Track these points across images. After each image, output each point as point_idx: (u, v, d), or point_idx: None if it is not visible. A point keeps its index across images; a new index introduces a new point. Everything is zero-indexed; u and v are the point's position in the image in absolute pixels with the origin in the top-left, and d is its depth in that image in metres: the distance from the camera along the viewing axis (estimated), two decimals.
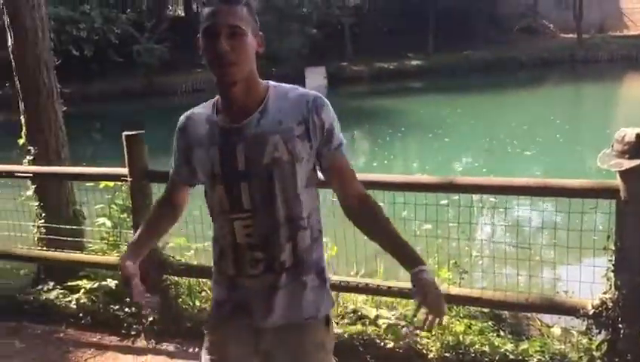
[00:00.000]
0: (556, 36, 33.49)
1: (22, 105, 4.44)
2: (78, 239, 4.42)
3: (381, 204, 1.82)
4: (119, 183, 4.26)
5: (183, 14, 36.97)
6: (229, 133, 1.66)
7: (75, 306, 4.00)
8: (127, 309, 3.83)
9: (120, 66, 26.90)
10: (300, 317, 1.75)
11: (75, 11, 24.71)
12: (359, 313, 3.67)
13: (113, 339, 3.76)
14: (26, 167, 4.32)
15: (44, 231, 4.40)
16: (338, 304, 3.77)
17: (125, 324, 3.78)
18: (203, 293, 4.06)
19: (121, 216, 4.31)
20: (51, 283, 4.27)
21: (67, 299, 4.08)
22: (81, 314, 3.97)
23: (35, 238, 4.48)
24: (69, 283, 4.15)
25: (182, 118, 1.85)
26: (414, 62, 30.94)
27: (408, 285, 3.24)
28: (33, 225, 4.48)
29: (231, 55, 1.56)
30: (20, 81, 4.37)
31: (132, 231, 3.90)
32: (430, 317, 1.67)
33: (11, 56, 4.36)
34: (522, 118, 16.68)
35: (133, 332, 3.73)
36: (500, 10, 33.20)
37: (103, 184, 4.45)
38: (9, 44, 4.35)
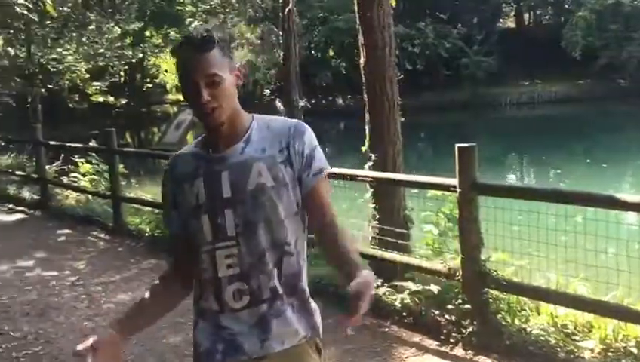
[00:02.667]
0: None
1: (367, 116, 4.92)
2: (406, 242, 4.71)
3: None
4: (447, 193, 4.42)
5: (513, 26, 36.39)
6: (213, 163, 1.69)
7: (399, 305, 4.26)
8: (447, 316, 3.94)
9: (447, 79, 27.83)
10: (293, 342, 1.71)
11: (411, 28, 26.32)
12: None
13: (432, 343, 3.90)
14: (366, 172, 4.77)
15: (377, 231, 4.79)
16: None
17: (445, 331, 3.89)
18: (523, 312, 3.95)
19: (447, 225, 4.45)
20: (380, 280, 4.62)
21: (393, 297, 4.37)
22: (404, 314, 4.22)
23: (369, 237, 4.91)
24: (396, 283, 4.44)
25: (171, 158, 1.81)
26: None
27: None
28: (368, 225, 4.93)
29: (212, 102, 1.60)
30: (368, 94, 4.84)
31: (457, 241, 4.00)
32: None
33: (362, 71, 4.87)
34: None
35: (452, 340, 3.82)
36: None
37: (431, 192, 4.67)
38: (360, 60, 4.87)
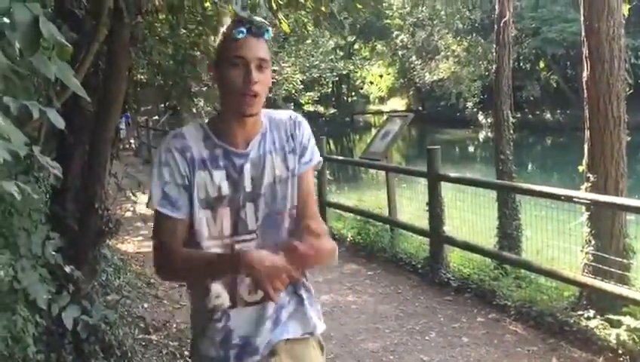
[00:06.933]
0: None
1: (587, 133, 4.58)
2: (626, 273, 4.29)
3: None
4: None
5: None
6: (235, 156, 1.66)
7: (614, 341, 3.89)
8: None
9: None
10: (298, 333, 1.73)
11: (636, 39, 24.00)
12: None
13: None
14: (584, 193, 4.43)
15: (592, 258, 4.43)
16: None
17: None
18: None
19: None
20: (592, 311, 4.26)
21: (607, 332, 4.00)
22: (620, 351, 3.84)
23: (582, 263, 4.56)
24: (611, 316, 4.07)
25: (175, 139, 1.66)
26: None
27: None
28: (581, 251, 4.57)
29: (258, 87, 1.58)
30: (590, 109, 4.51)
31: None
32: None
33: (584, 85, 4.55)
34: None
35: None
36: None
37: None
38: (584, 74, 4.56)
